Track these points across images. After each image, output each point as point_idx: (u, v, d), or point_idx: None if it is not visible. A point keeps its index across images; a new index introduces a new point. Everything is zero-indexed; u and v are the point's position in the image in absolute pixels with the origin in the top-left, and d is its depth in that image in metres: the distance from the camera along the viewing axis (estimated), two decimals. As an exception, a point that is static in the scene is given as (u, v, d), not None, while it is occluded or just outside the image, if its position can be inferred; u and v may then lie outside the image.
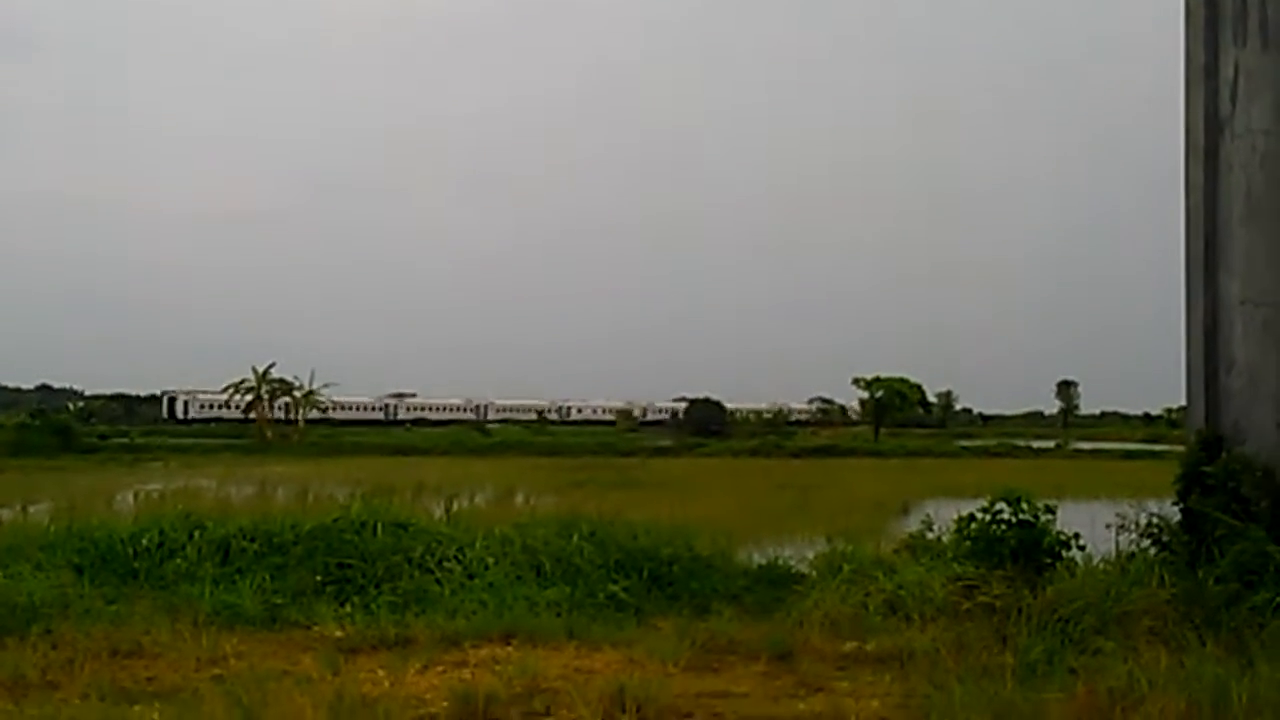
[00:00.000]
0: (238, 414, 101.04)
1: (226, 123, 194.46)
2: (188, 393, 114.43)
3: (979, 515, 12.93)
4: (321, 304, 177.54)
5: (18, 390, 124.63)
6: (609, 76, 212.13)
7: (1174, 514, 12.85)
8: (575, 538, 14.03)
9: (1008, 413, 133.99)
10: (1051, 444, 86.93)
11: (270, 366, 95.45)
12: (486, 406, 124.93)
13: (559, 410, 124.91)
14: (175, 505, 17.31)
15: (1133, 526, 12.99)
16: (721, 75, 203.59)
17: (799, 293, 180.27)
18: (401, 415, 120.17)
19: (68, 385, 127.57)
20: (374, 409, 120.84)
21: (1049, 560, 12.48)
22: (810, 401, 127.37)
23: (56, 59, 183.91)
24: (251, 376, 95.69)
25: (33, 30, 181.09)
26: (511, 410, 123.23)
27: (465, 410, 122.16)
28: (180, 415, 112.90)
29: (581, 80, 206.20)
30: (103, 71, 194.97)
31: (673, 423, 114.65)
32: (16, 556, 13.36)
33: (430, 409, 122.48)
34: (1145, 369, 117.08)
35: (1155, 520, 12.90)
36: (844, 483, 41.59)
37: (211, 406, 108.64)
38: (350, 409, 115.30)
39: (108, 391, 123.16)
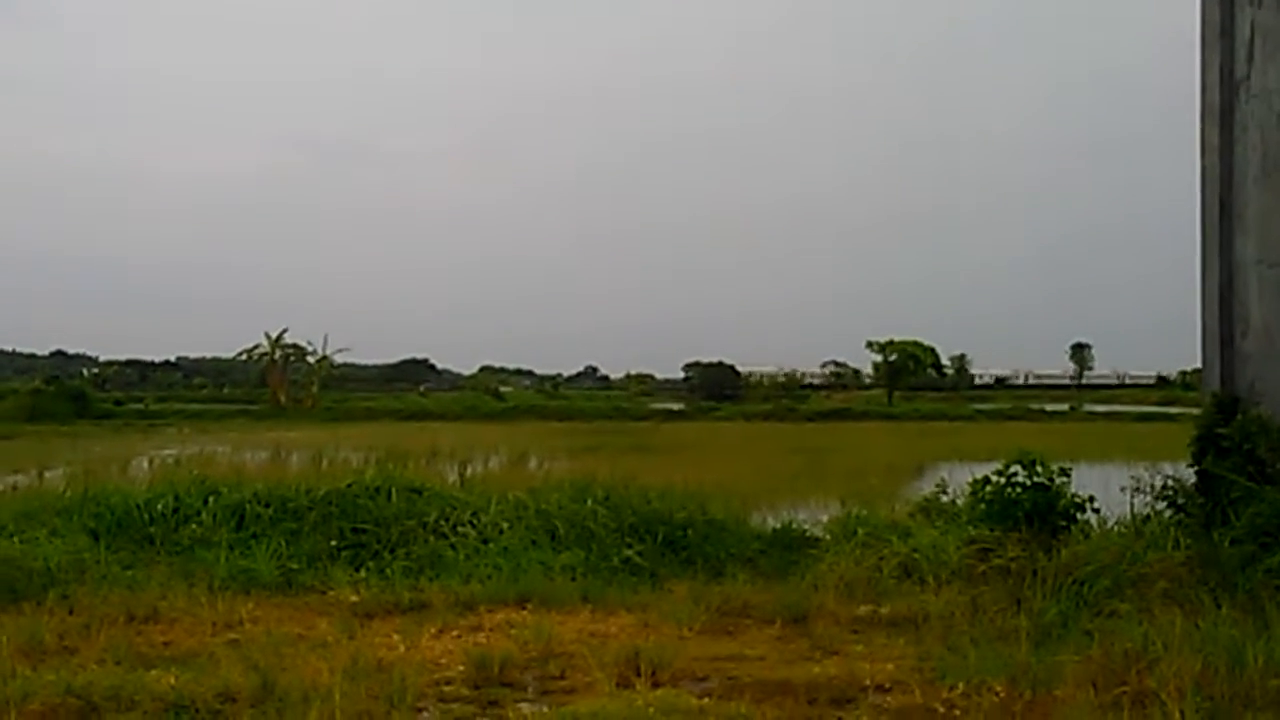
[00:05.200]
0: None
1: (236, 90, 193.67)
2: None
3: (994, 478, 12.92)
4: (333, 268, 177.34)
5: (32, 356, 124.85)
6: (608, 47, 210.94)
7: (1189, 476, 12.85)
8: (589, 502, 14.04)
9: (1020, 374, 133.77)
10: (1065, 407, 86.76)
11: (283, 331, 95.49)
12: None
13: None
14: (190, 471, 17.34)
15: (1148, 489, 13.00)
16: (709, 39, 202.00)
17: (810, 256, 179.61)
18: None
19: (82, 351, 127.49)
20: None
21: (1064, 523, 12.47)
22: (823, 365, 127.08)
23: (61, 25, 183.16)
24: (264, 341, 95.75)
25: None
26: None
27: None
28: None
29: (579, 50, 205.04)
30: (107, 35, 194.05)
31: (685, 386, 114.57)
32: (33, 522, 13.44)
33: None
34: (1160, 331, 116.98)
35: (1170, 482, 12.90)
36: (858, 446, 41.53)
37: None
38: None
39: (122, 357, 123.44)
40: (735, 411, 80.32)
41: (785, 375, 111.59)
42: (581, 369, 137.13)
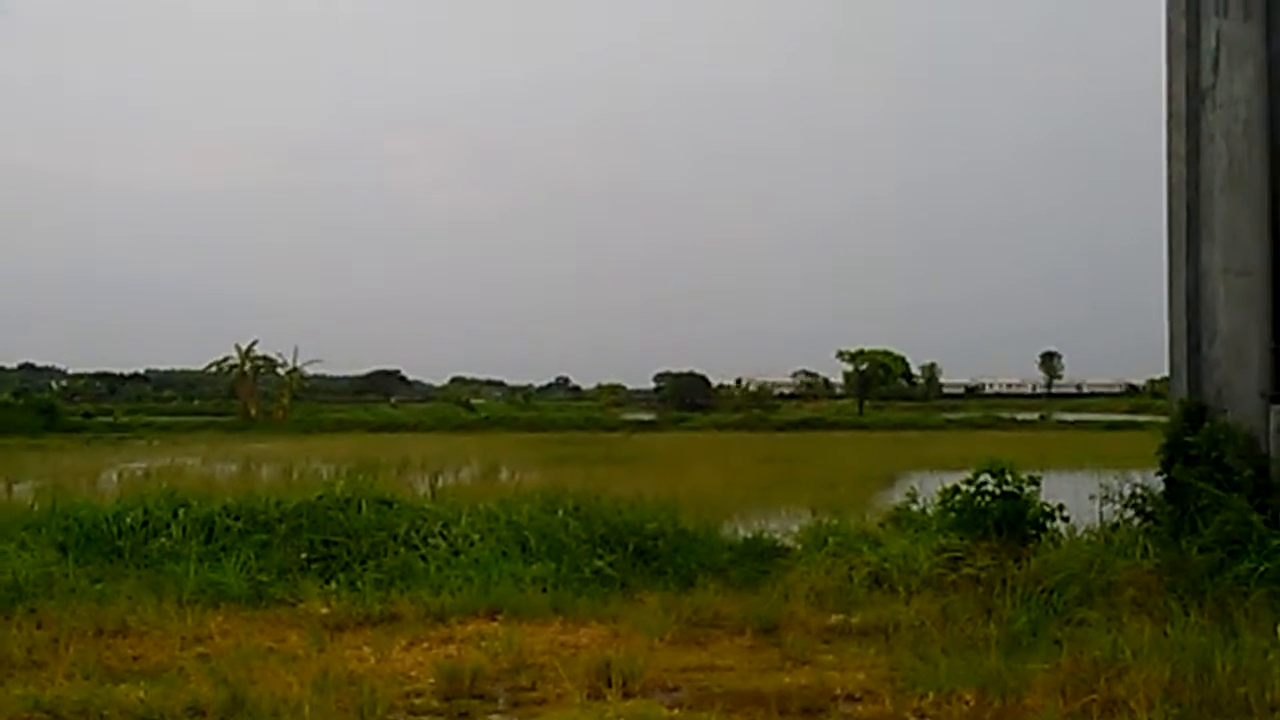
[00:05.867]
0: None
1: (209, 97, 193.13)
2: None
3: (963, 487, 12.98)
4: (303, 280, 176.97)
5: (0, 369, 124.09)
6: (603, 49, 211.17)
7: (1157, 484, 12.90)
8: (560, 513, 14.02)
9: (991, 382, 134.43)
10: (1035, 415, 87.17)
11: (254, 343, 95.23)
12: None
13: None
14: (159, 483, 17.26)
15: (1116, 497, 13.04)
16: (718, 48, 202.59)
17: (783, 265, 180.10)
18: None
19: (51, 364, 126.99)
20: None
21: (1033, 531, 12.54)
22: (794, 375, 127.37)
23: (31, 30, 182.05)
24: (235, 354, 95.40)
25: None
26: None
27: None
28: None
29: (577, 53, 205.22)
30: (84, 44, 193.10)
31: (656, 397, 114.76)
32: (1, 536, 13.32)
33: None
34: (1129, 340, 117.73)
35: (1139, 491, 12.95)
36: (828, 456, 41.58)
37: None
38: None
39: (91, 370, 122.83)
40: (706, 421, 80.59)
41: (756, 385, 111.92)
42: (553, 380, 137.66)
